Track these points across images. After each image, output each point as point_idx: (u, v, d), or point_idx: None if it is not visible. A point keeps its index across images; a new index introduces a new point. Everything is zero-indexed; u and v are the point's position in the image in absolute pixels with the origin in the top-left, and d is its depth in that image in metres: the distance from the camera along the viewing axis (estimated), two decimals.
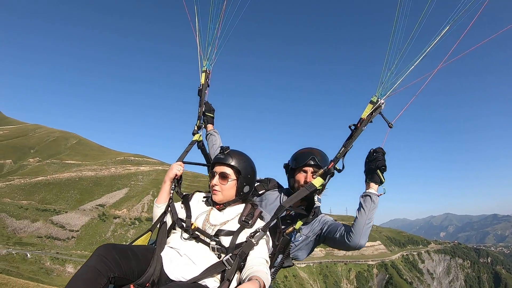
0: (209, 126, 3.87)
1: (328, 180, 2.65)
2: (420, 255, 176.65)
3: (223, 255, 2.36)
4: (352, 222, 2.71)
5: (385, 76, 2.24)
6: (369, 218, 2.63)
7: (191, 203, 2.76)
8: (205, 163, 3.59)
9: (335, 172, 2.71)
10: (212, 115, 3.84)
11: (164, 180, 2.92)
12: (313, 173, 2.95)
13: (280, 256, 2.72)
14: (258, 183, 3.42)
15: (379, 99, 2.38)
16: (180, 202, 2.82)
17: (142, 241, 2.84)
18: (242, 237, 2.42)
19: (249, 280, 2.06)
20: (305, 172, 3.02)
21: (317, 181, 2.58)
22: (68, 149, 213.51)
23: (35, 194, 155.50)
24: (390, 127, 2.37)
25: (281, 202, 3.05)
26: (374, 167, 2.59)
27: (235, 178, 2.59)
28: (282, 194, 3.27)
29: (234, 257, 2.32)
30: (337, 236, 2.79)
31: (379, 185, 2.66)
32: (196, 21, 3.44)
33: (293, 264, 2.89)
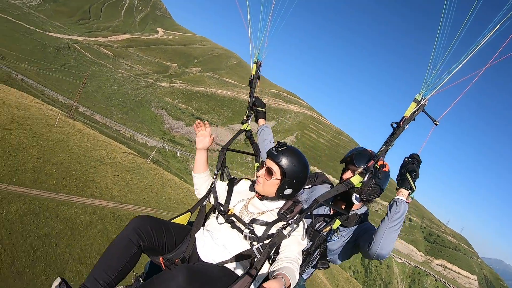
0: (261, 121, 3.87)
1: (367, 179, 2.59)
2: None
3: (255, 243, 2.44)
4: (376, 229, 2.70)
5: (430, 75, 2.29)
6: (391, 226, 2.57)
7: (235, 188, 2.88)
8: (253, 153, 3.61)
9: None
10: (264, 109, 3.85)
11: (196, 150, 3.03)
12: (353, 172, 2.96)
13: (317, 255, 2.85)
14: None
15: (424, 97, 2.41)
16: (226, 183, 2.94)
17: (181, 220, 2.97)
18: (275, 229, 2.49)
19: (273, 277, 2.12)
20: (347, 170, 3.07)
21: (355, 179, 2.60)
22: (228, 67, 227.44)
23: (193, 101, 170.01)
24: (436, 124, 2.39)
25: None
26: (404, 171, 2.58)
27: (279, 178, 2.58)
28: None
29: (265, 247, 2.39)
30: (362, 243, 2.83)
31: (409, 193, 2.60)
32: (248, 13, 3.44)
33: (329, 266, 2.98)
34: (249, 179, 2.96)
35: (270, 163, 2.59)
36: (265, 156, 3.09)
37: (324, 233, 2.77)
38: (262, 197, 2.67)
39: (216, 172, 3.00)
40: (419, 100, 2.37)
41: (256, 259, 2.36)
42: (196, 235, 2.65)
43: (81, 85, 61.95)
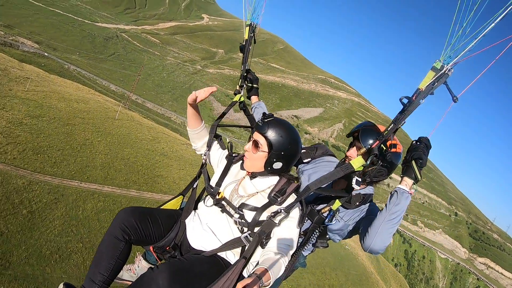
0: (254, 98, 3.63)
1: (370, 162, 2.26)
2: None
3: (245, 229, 2.39)
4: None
5: (454, 36, 1.83)
6: (389, 218, 2.36)
7: (232, 168, 2.71)
8: (249, 125, 3.37)
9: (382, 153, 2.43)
10: (257, 85, 3.52)
11: (187, 104, 2.72)
12: (358, 149, 2.72)
13: (316, 234, 2.73)
14: (304, 151, 3.22)
15: (445, 65, 1.97)
16: (224, 156, 2.77)
17: (173, 204, 2.92)
18: (265, 215, 2.39)
19: (251, 274, 2.07)
20: (352, 146, 2.84)
21: (356, 162, 2.29)
22: (274, 52, 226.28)
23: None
24: (455, 101, 1.98)
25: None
26: (409, 158, 2.33)
27: (267, 150, 2.45)
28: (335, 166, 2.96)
29: (253, 235, 2.33)
30: (360, 231, 2.65)
31: (414, 182, 2.37)
32: None
33: (328, 245, 2.89)
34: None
35: (256, 136, 2.48)
36: None
37: (324, 214, 2.60)
38: (252, 175, 2.53)
39: (205, 151, 2.77)
40: (439, 68, 1.98)
41: (246, 248, 2.31)
42: (187, 220, 2.61)
43: (137, 76, 62.64)
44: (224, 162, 2.70)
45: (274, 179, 2.52)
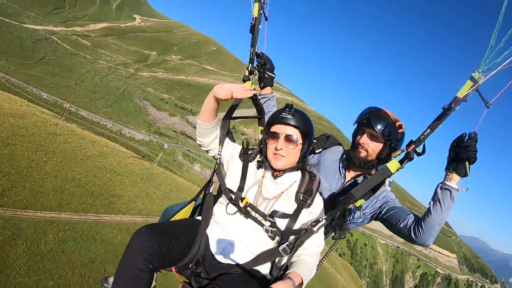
0: (268, 89, 3.27)
1: (405, 165, 2.30)
2: None
3: (277, 238, 2.24)
4: (424, 216, 2.50)
5: (494, 49, 1.94)
6: (445, 217, 2.43)
7: (250, 166, 2.46)
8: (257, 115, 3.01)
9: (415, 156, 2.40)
10: (273, 75, 3.18)
11: (209, 95, 2.35)
12: (370, 136, 2.72)
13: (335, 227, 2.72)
14: (315, 141, 3.11)
15: (482, 76, 2.08)
16: (239, 152, 2.49)
17: (185, 212, 2.64)
18: (300, 221, 2.28)
19: (285, 276, 2.04)
20: (363, 133, 2.76)
21: (393, 166, 2.29)
22: (207, 54, 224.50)
23: (175, 91, 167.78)
24: (488, 107, 2.08)
25: (340, 168, 2.95)
26: (465, 157, 2.28)
27: (302, 142, 2.34)
28: (343, 158, 3.00)
29: (292, 246, 2.20)
30: (401, 226, 2.62)
31: (461, 177, 2.37)
32: None
33: (345, 236, 2.85)
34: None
35: (285, 129, 2.29)
36: None
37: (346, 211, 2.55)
38: (280, 174, 2.35)
39: (219, 151, 2.47)
40: (476, 79, 2.08)
41: (280, 258, 2.21)
42: (207, 231, 2.31)
43: (74, 85, 59.13)
44: (238, 161, 2.47)
45: (296, 174, 2.43)
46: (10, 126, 32.55)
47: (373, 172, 2.84)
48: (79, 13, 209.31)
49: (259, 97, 2.98)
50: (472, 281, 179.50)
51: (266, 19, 2.89)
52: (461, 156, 2.29)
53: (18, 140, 30.72)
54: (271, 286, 1.79)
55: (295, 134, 2.29)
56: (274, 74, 3.16)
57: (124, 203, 28.74)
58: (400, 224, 2.59)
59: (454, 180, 2.35)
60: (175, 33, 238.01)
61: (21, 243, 17.46)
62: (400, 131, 2.66)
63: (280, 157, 2.29)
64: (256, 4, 2.86)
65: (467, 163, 2.29)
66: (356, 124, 2.86)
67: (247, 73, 2.88)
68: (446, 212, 2.37)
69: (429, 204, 2.45)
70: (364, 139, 2.71)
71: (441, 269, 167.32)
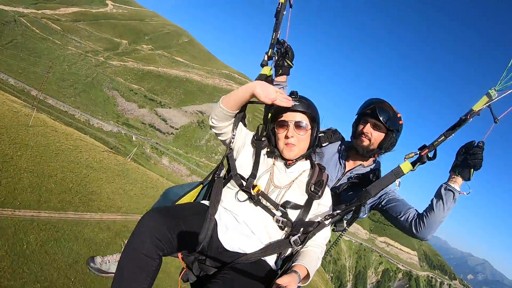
0: (283, 78, 3.18)
1: (416, 167, 2.39)
2: (442, 285, 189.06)
3: (287, 229, 2.21)
4: (426, 213, 2.59)
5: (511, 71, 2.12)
6: (446, 215, 2.54)
7: (262, 153, 2.43)
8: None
9: (426, 161, 2.48)
10: (292, 64, 3.12)
11: (247, 89, 2.26)
12: (374, 125, 2.83)
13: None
14: (322, 134, 3.15)
15: (496, 93, 2.24)
16: (251, 140, 2.46)
17: (191, 196, 2.57)
18: (311, 212, 2.28)
19: (292, 267, 2.02)
20: (366, 122, 2.87)
21: (406, 167, 2.38)
22: (179, 45, 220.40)
23: (145, 82, 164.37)
24: (496, 122, 2.24)
25: (340, 159, 3.05)
26: (472, 163, 2.41)
27: (311, 127, 2.35)
28: (342, 149, 3.11)
29: (303, 238, 2.17)
30: (402, 219, 2.74)
31: (464, 181, 2.49)
32: None
33: (347, 229, 3.00)
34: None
35: (294, 116, 2.29)
36: None
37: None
38: (292, 162, 2.37)
39: (233, 135, 2.41)
40: (492, 96, 2.22)
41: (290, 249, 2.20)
42: (216, 216, 2.21)
43: (46, 75, 56.96)
44: (250, 148, 2.44)
45: (306, 164, 2.45)
46: None
47: (370, 161, 3.02)
48: None
49: (274, 83, 3.06)
50: (432, 277, 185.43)
51: (290, 6, 2.93)
52: (468, 162, 2.41)
53: None
54: (276, 281, 1.73)
55: (304, 120, 2.30)
56: (293, 64, 3.15)
57: (102, 201, 28.33)
58: (401, 217, 2.72)
59: (458, 183, 2.48)
60: (148, 22, 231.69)
61: (2, 245, 17.06)
62: (400, 122, 2.83)
63: (292, 146, 2.29)
64: None
65: (472, 171, 2.42)
66: (357, 115, 2.99)
67: (266, 58, 2.90)
68: (447, 211, 2.50)
69: (432, 201, 2.57)
70: (368, 128, 2.84)
71: (402, 265, 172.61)
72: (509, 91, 2.16)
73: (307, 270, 2.02)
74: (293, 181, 2.32)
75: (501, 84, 2.18)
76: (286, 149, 2.31)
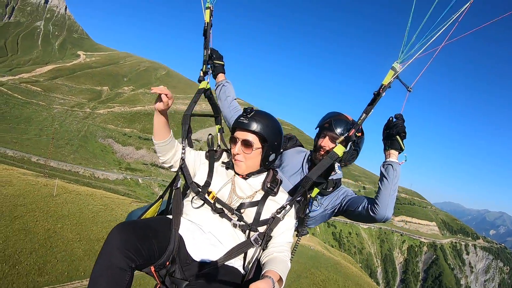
0: (221, 76, 3.38)
1: (349, 148, 2.56)
2: (467, 247, 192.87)
3: (247, 232, 2.27)
4: (376, 194, 2.69)
5: (408, 43, 2.31)
6: (393, 189, 2.60)
7: (216, 165, 2.53)
8: (213, 114, 3.30)
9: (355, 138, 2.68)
10: (222, 62, 3.35)
11: (155, 111, 2.45)
12: (331, 138, 2.91)
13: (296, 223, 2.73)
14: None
15: (400, 66, 2.41)
16: (204, 155, 2.60)
17: (153, 211, 2.62)
18: (267, 209, 2.34)
19: (262, 275, 2.03)
20: (324, 136, 2.95)
21: (339, 149, 2.52)
22: (158, 79, 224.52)
23: (136, 123, 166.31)
24: (409, 91, 2.40)
25: (303, 167, 3.10)
26: (394, 133, 2.55)
27: (260, 146, 2.37)
28: (308, 158, 3.16)
29: (262, 236, 2.24)
30: (359, 210, 2.80)
31: (399, 153, 2.62)
32: None
33: (308, 232, 2.96)
34: (228, 151, 2.65)
35: (243, 134, 2.35)
36: (230, 117, 3.13)
37: (300, 203, 2.71)
38: (245, 176, 2.43)
39: (183, 145, 2.60)
40: (396, 68, 2.42)
41: (252, 249, 2.27)
42: (181, 229, 2.26)
43: (51, 141, 57.42)
44: (205, 161, 2.55)
45: (264, 174, 2.51)
46: (5, 198, 31.16)
47: (332, 173, 3.00)
48: (23, 59, 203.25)
49: (216, 86, 3.32)
50: (456, 242, 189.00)
51: (211, 25, 3.20)
52: (391, 133, 2.58)
53: (22, 211, 29.49)
54: (251, 285, 1.74)
55: (252, 139, 2.33)
56: (223, 62, 3.34)
57: None
58: (358, 208, 2.78)
59: (393, 156, 2.60)
60: (122, 63, 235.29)
61: None
62: (358, 134, 2.84)
63: (239, 162, 2.36)
64: (207, 11, 3.17)
65: (398, 137, 2.56)
66: (317, 128, 3.07)
67: (202, 74, 3.17)
68: (392, 182, 2.57)
69: (378, 184, 2.69)
70: (325, 142, 2.91)
71: (424, 238, 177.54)
72: (411, 61, 2.31)
73: (279, 274, 2.04)
74: (257, 192, 2.40)
75: (402, 56, 2.34)
76: (235, 163, 2.39)
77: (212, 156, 2.53)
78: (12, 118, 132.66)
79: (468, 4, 2.11)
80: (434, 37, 2.20)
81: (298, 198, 2.52)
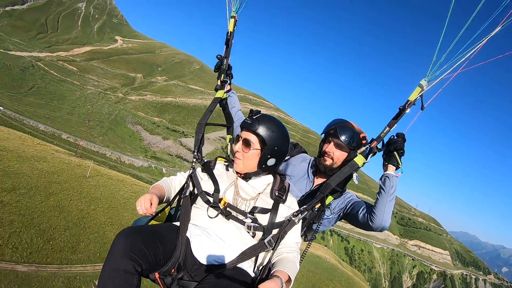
0: (227, 87, 3.39)
1: (369, 159, 2.69)
2: (477, 281, 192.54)
3: (258, 234, 2.30)
4: (374, 204, 2.80)
5: (437, 62, 2.38)
6: (390, 199, 2.71)
7: (215, 172, 2.58)
8: (226, 124, 3.35)
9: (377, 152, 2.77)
10: (231, 73, 3.40)
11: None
12: (336, 145, 2.98)
13: (304, 229, 2.82)
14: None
15: (427, 83, 2.49)
16: (200, 169, 2.63)
17: (160, 217, 2.67)
18: (280, 214, 2.38)
19: (271, 275, 2.09)
20: (329, 142, 3.03)
21: (359, 160, 2.62)
22: (191, 73, 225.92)
23: (166, 113, 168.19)
24: (422, 109, 2.51)
25: (309, 174, 3.17)
26: (392, 149, 2.68)
27: (259, 148, 2.39)
28: (312, 164, 3.23)
29: (276, 238, 2.27)
30: (359, 216, 2.90)
31: (396, 168, 2.73)
32: None
33: (315, 237, 3.01)
34: (222, 157, 2.71)
35: (246, 134, 2.40)
36: (235, 126, 3.19)
37: (316, 210, 2.69)
38: (245, 176, 2.44)
39: (195, 153, 2.68)
40: (423, 86, 2.48)
41: (264, 252, 2.27)
42: (188, 234, 2.26)
43: (87, 122, 58.23)
44: (205, 175, 2.55)
45: (269, 178, 2.51)
46: (40, 173, 31.55)
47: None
48: (62, 37, 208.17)
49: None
50: (466, 274, 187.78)
51: (233, 36, 3.19)
52: (390, 149, 2.66)
53: (57, 189, 29.83)
54: (259, 286, 1.78)
55: (252, 139, 2.35)
56: (231, 73, 3.31)
57: None
58: (360, 214, 2.84)
59: (390, 170, 2.69)
60: (158, 53, 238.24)
61: None
62: (363, 142, 2.90)
63: (237, 159, 2.39)
64: (232, 20, 3.15)
65: (396, 153, 2.64)
66: (323, 134, 3.11)
67: (219, 83, 3.19)
68: (389, 192, 2.65)
69: (376, 195, 2.74)
70: (330, 148, 2.95)
71: (436, 266, 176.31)
72: (438, 80, 2.39)
73: (288, 275, 2.09)
74: (259, 193, 2.41)
75: (430, 75, 2.42)
76: (234, 161, 2.44)
77: (207, 168, 2.55)
78: (47, 94, 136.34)
79: (493, 32, 2.17)
80: (462, 59, 2.28)
81: (315, 205, 2.58)
